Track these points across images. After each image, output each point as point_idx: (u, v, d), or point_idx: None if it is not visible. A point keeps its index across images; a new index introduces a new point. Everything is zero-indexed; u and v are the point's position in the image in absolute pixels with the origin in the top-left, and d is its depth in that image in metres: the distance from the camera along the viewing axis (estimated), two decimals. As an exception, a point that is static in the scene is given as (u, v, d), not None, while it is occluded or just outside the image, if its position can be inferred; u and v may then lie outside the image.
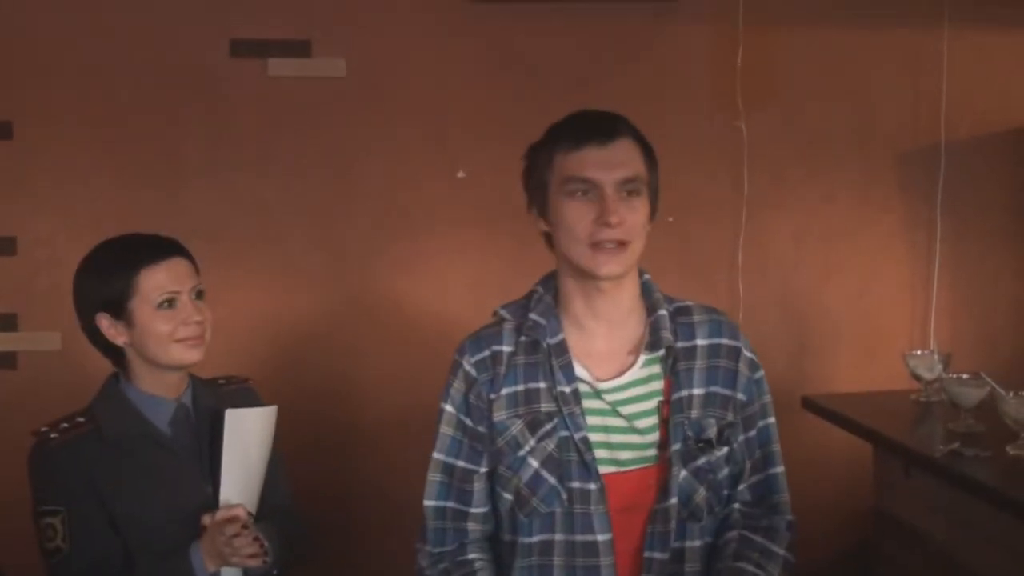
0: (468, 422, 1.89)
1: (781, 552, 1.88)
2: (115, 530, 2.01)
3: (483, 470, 1.89)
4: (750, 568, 1.82)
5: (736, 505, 1.93)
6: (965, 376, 2.76)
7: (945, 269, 3.63)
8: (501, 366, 1.87)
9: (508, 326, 1.90)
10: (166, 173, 3.33)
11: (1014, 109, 3.62)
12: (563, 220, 1.80)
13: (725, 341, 1.91)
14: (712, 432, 1.86)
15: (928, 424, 2.92)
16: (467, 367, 1.89)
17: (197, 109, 3.33)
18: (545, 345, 1.85)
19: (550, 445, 1.82)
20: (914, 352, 3.12)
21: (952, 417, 2.77)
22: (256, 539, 1.95)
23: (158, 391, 2.08)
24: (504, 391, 1.86)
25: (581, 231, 1.78)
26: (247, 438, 2.02)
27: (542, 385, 1.85)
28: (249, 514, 1.99)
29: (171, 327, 2.02)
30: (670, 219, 3.47)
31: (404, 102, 3.41)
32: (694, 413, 1.85)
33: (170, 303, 2.02)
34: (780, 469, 1.95)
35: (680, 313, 1.92)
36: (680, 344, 1.88)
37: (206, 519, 1.98)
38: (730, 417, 1.88)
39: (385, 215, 3.42)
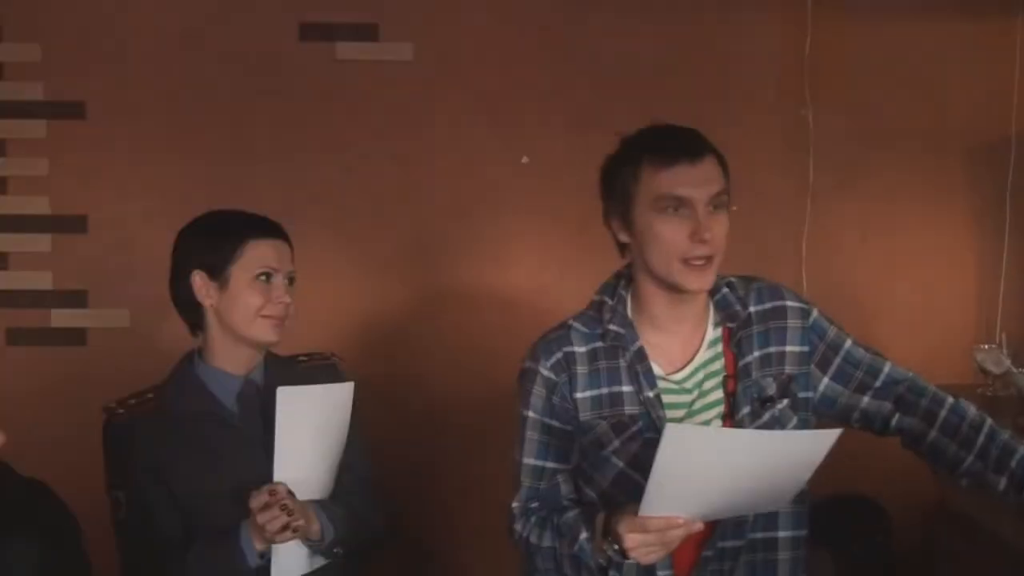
0: (555, 424, 1.95)
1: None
2: (176, 506, 2.03)
3: (570, 466, 1.97)
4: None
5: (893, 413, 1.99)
6: (1034, 370, 2.73)
7: (1013, 263, 3.56)
8: (575, 366, 1.93)
9: (576, 331, 1.95)
10: (235, 156, 3.37)
11: (1088, 101, 3.55)
12: (655, 236, 1.83)
13: (768, 305, 1.96)
14: (772, 390, 1.92)
15: (995, 419, 2.86)
16: (545, 372, 1.94)
17: (266, 93, 3.36)
18: (628, 354, 1.90)
19: (634, 446, 1.88)
20: (981, 346, 3.08)
21: (1021, 411, 2.73)
22: (285, 513, 1.89)
23: (227, 366, 2.11)
24: (588, 393, 1.92)
25: (674, 248, 1.81)
26: (306, 415, 1.99)
27: (625, 389, 1.91)
28: (289, 492, 1.94)
29: (261, 301, 2.07)
30: (734, 208, 3.45)
31: (470, 86, 3.42)
32: (754, 375, 1.91)
33: (267, 277, 2.08)
34: (888, 363, 2.02)
35: (729, 288, 1.98)
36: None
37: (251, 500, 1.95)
38: (788, 370, 1.93)
39: (450, 199, 3.44)
